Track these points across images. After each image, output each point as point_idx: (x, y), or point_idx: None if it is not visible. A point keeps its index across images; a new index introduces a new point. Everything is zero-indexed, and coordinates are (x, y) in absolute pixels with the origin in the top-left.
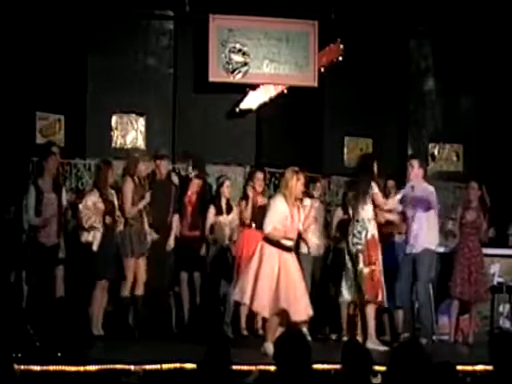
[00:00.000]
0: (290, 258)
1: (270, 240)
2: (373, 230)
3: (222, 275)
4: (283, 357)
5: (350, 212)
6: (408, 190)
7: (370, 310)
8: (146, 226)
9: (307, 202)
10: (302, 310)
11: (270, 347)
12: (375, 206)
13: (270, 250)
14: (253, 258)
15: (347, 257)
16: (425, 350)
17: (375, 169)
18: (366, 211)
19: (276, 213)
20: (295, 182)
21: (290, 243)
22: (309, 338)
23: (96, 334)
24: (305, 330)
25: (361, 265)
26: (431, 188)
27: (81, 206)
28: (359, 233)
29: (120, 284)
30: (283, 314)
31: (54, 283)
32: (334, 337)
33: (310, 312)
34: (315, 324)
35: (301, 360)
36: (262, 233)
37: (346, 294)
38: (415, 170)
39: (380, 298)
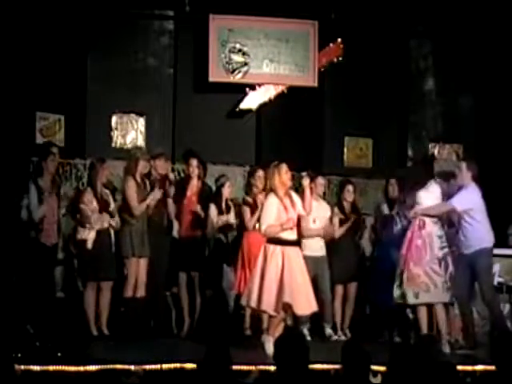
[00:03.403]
0: (294, 252)
1: (271, 238)
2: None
3: (222, 275)
4: (282, 357)
5: None
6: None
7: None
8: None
9: (306, 181)
10: (305, 304)
11: (269, 340)
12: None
13: (273, 248)
14: (257, 260)
15: None
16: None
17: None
18: None
19: (269, 211)
20: (277, 175)
21: (292, 236)
22: (308, 338)
23: (94, 334)
24: (305, 330)
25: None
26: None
27: (82, 206)
28: None
29: (123, 284)
30: (287, 309)
31: (54, 283)
32: (334, 337)
33: (314, 307)
34: (317, 324)
35: (299, 360)
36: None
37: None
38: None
39: None
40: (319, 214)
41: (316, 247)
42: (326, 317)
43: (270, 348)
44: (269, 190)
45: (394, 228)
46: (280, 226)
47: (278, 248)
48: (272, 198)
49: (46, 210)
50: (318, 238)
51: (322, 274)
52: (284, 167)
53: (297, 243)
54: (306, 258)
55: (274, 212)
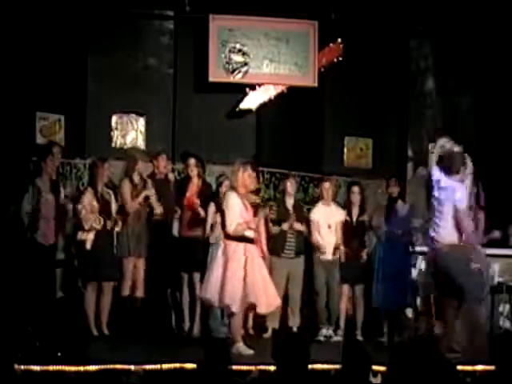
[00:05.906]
0: (255, 249)
1: (232, 236)
2: None
3: None
4: (282, 357)
5: None
6: None
7: None
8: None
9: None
10: (270, 301)
11: (239, 346)
12: None
13: (235, 245)
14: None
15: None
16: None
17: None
18: None
19: (232, 209)
20: (241, 173)
21: (251, 234)
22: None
23: (94, 334)
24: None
25: None
26: None
27: (79, 207)
28: None
29: (120, 284)
30: (249, 310)
31: (53, 283)
32: (334, 337)
33: (278, 301)
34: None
35: (299, 360)
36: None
37: None
38: None
39: None
40: (333, 219)
41: (329, 251)
42: (332, 319)
43: (242, 348)
44: (229, 187)
45: (394, 228)
46: (246, 224)
47: (241, 245)
48: (234, 196)
49: (43, 210)
50: (331, 241)
51: (333, 277)
52: (249, 169)
53: (254, 241)
54: (320, 261)
55: (236, 209)
